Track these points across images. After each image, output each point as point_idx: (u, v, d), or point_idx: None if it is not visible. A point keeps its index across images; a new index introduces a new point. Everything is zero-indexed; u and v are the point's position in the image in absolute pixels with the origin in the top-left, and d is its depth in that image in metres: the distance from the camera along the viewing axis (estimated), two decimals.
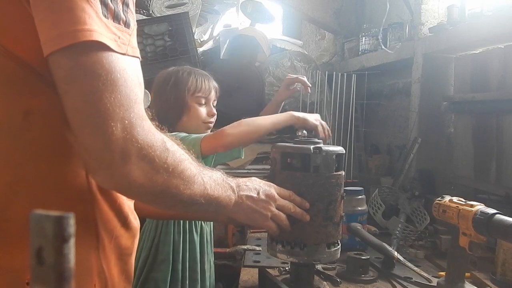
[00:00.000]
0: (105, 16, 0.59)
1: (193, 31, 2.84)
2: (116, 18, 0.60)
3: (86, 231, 0.67)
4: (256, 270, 1.25)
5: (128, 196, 0.72)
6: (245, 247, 1.47)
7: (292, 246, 1.03)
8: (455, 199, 1.10)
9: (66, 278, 0.30)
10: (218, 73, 2.63)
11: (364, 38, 2.61)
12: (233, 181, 0.87)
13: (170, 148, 0.67)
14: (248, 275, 1.27)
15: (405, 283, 1.21)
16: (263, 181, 0.97)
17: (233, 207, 0.86)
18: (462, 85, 1.91)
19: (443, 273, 1.18)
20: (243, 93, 2.61)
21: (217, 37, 2.98)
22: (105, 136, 0.59)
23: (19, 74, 0.61)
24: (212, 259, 1.64)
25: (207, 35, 3.44)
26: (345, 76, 2.37)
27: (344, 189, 1.09)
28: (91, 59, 0.58)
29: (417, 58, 2.05)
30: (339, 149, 1.08)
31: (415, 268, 1.24)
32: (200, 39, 3.21)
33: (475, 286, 1.12)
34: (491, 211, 0.98)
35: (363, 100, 2.46)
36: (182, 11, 2.83)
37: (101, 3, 0.58)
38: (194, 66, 1.78)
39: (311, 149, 1.03)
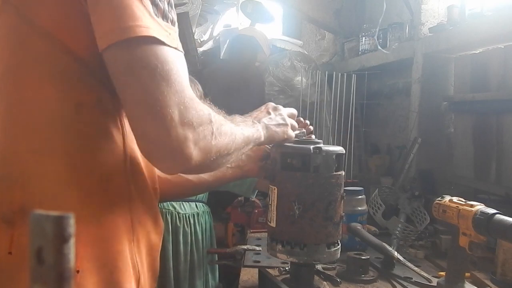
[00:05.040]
0: (156, 15, 0.64)
1: (193, 31, 2.84)
2: (165, 17, 0.66)
3: (123, 224, 0.70)
4: (256, 270, 1.25)
5: (189, 174, 0.77)
6: (245, 247, 1.47)
7: (292, 246, 1.03)
8: (455, 199, 1.10)
9: (66, 278, 0.30)
10: (218, 73, 2.63)
11: (364, 38, 2.61)
12: (248, 117, 0.93)
13: (213, 118, 0.71)
14: (248, 275, 1.27)
15: (405, 283, 1.21)
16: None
17: (266, 133, 0.92)
18: (462, 85, 1.91)
19: (443, 273, 1.19)
20: (243, 93, 2.61)
21: (217, 37, 2.98)
22: (166, 123, 0.62)
23: (74, 68, 0.66)
24: (204, 260, 1.64)
25: (207, 35, 3.43)
26: (345, 76, 2.37)
27: (344, 189, 1.09)
28: (148, 52, 0.62)
29: (417, 58, 2.05)
30: (339, 149, 1.08)
31: (415, 268, 1.24)
32: (200, 39, 3.21)
33: (475, 286, 1.12)
34: (491, 211, 0.98)
35: (363, 100, 2.46)
36: (182, 11, 2.83)
37: (152, 4, 0.64)
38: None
39: (311, 149, 1.03)
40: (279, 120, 0.97)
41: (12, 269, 0.62)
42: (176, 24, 0.69)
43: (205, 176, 1.08)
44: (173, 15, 0.68)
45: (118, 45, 0.61)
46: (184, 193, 1.20)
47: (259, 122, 0.92)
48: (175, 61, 0.65)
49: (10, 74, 0.66)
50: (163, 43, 0.63)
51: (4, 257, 0.63)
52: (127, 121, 0.71)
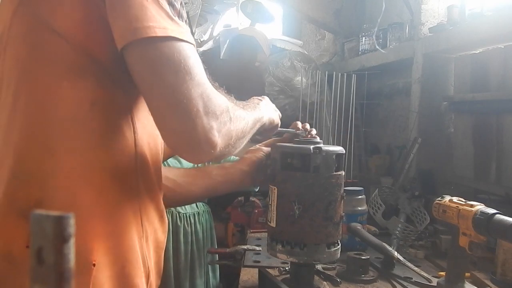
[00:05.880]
0: (173, 15, 0.67)
1: (193, 31, 2.84)
2: (180, 16, 0.69)
3: (134, 220, 0.72)
4: (256, 270, 1.25)
5: (212, 161, 0.78)
6: (245, 247, 1.47)
7: (292, 246, 1.03)
8: (455, 199, 1.10)
9: (66, 278, 0.30)
10: (218, 73, 2.63)
11: (364, 38, 2.61)
12: (251, 103, 0.99)
13: (229, 105, 0.74)
14: (248, 275, 1.27)
15: (405, 283, 1.21)
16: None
17: (266, 113, 0.97)
18: (462, 85, 1.91)
19: (443, 273, 1.18)
20: (243, 93, 2.60)
21: (217, 37, 2.97)
22: (192, 115, 0.65)
23: (89, 68, 0.68)
24: (204, 259, 1.64)
25: (207, 35, 3.43)
26: (345, 76, 2.37)
27: (344, 189, 1.09)
28: (172, 50, 0.65)
29: (417, 58, 2.05)
30: (339, 149, 1.08)
31: (415, 268, 1.24)
32: (200, 39, 3.21)
33: (475, 286, 1.12)
34: (491, 211, 0.98)
35: (363, 100, 2.46)
36: None
37: (169, 4, 0.67)
38: None
39: (311, 149, 1.03)
40: (273, 106, 1.05)
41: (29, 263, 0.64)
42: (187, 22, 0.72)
43: (193, 188, 1.07)
44: (184, 13, 0.71)
45: (140, 44, 0.64)
46: (170, 205, 1.17)
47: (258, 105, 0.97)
48: (194, 55, 0.68)
49: (26, 73, 0.68)
50: (182, 40, 0.66)
51: (22, 251, 0.64)
52: (137, 119, 0.73)
